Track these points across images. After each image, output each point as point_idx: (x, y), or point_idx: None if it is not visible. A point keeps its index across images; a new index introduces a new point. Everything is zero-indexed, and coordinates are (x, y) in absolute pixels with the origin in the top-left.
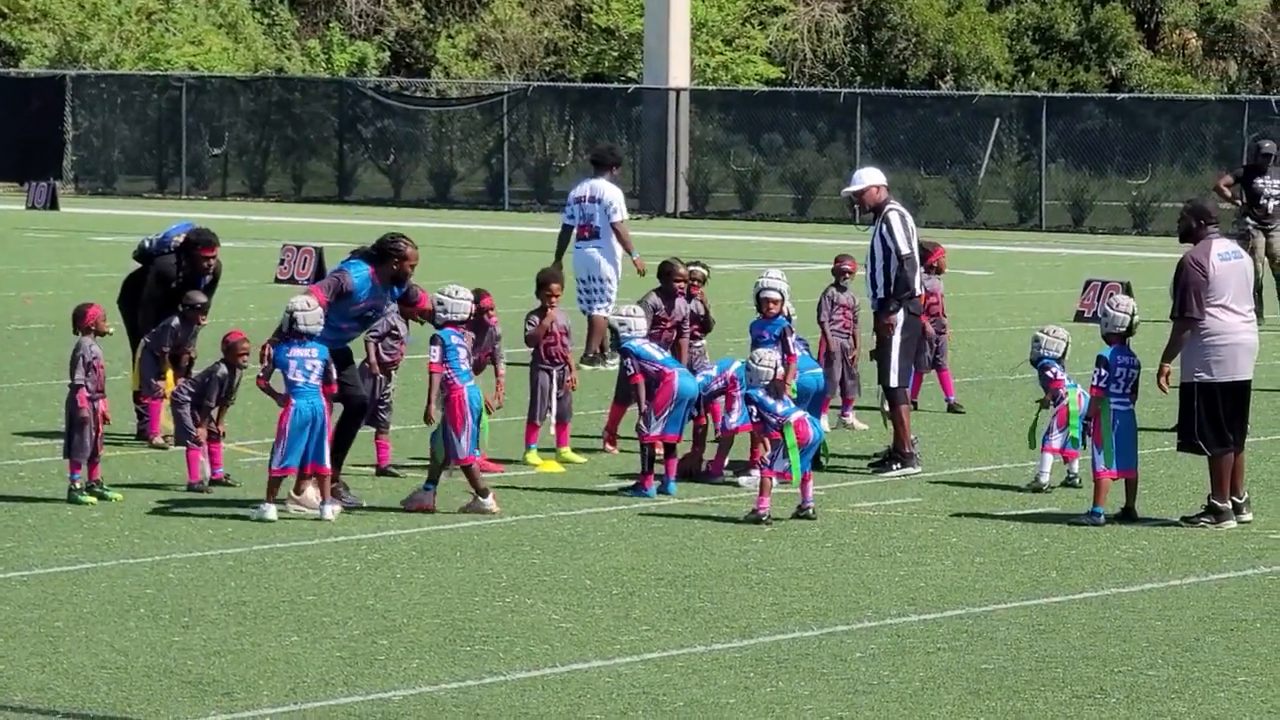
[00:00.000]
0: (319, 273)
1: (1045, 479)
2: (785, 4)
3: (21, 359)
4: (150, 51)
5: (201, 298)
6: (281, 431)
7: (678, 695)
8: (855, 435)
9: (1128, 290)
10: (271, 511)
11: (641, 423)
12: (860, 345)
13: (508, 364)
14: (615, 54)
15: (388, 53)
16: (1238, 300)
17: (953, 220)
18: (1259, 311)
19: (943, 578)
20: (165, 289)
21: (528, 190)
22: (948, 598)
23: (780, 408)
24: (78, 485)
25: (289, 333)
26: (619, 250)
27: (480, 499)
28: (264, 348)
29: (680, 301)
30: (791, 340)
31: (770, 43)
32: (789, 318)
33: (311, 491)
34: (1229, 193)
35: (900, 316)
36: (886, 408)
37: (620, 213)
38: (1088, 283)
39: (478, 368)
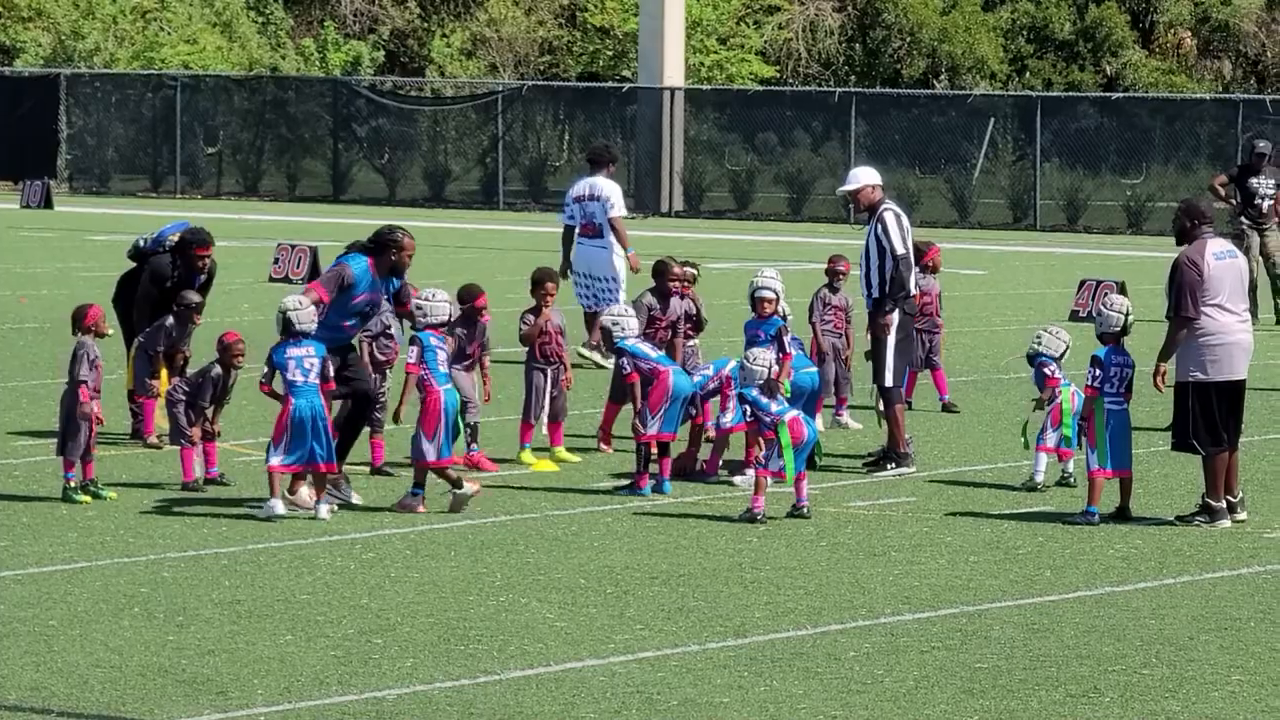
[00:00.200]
0: (313, 272)
1: (1040, 478)
2: (780, 3)
3: (16, 358)
4: (145, 50)
5: (196, 297)
6: (281, 428)
7: (672, 694)
8: (849, 434)
9: (1122, 290)
10: (280, 506)
11: (637, 422)
12: (854, 344)
13: (495, 362)
14: (610, 53)
15: (382, 52)
16: (1233, 300)
17: (947, 220)
18: (1253, 311)
19: (937, 577)
20: (160, 288)
21: (522, 189)
22: (942, 597)
23: (775, 407)
24: (72, 484)
25: (285, 333)
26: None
27: (457, 489)
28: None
29: (675, 300)
30: (787, 339)
31: (765, 42)
32: (784, 317)
33: (306, 491)
34: (1223, 192)
35: (896, 317)
36: (881, 407)
37: (618, 208)
38: (1082, 282)
39: (462, 358)
